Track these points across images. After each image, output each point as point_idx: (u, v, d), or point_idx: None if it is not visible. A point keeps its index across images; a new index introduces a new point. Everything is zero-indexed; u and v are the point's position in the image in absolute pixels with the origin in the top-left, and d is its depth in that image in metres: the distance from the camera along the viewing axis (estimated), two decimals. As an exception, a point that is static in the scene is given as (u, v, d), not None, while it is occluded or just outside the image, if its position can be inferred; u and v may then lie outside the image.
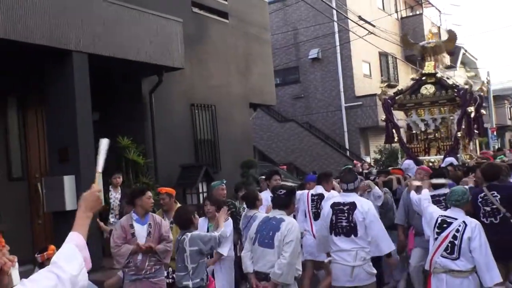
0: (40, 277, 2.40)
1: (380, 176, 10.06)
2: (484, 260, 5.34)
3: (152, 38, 10.40)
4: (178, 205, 7.44)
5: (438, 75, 12.37)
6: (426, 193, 6.77)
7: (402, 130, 12.94)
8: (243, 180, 12.69)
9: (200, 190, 11.63)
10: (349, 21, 21.38)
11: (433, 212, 5.97)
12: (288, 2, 24.59)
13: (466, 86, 11.85)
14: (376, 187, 8.44)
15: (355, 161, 18.83)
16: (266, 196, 8.32)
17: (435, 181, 7.23)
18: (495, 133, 40.71)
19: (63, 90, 8.96)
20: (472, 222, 5.50)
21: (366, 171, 13.71)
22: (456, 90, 11.87)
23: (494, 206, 6.44)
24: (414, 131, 12.73)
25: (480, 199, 6.56)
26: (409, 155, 12.25)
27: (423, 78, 12.46)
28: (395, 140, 12.67)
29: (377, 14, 26.50)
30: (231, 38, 14.29)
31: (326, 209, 6.38)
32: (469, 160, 11.81)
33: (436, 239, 5.62)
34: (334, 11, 21.78)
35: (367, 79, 25.35)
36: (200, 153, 12.98)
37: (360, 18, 19.07)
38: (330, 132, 25.24)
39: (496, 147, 38.60)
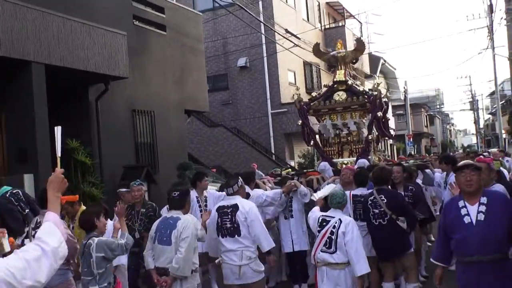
0: (28, 248, 2.79)
1: (299, 177, 10.21)
2: (355, 252, 5.89)
3: (100, 50, 11.40)
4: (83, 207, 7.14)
5: (349, 82, 12.76)
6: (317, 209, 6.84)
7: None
8: (180, 181, 13.76)
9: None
10: (275, 33, 22.73)
11: (316, 213, 6.47)
12: (219, 13, 25.65)
13: (375, 93, 12.25)
14: (302, 185, 8.67)
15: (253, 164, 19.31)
16: (192, 196, 8.86)
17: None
18: (411, 139, 43.12)
19: (23, 96, 9.86)
20: (347, 219, 6.11)
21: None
22: (366, 96, 12.32)
23: (382, 209, 6.97)
24: (327, 135, 13.18)
25: (370, 202, 7.15)
26: (324, 157, 12.68)
27: (335, 85, 12.81)
28: (311, 144, 13.09)
29: (301, 25, 28.08)
30: (168, 49, 15.34)
31: (212, 212, 6.79)
32: (378, 162, 12.29)
33: (317, 236, 6.18)
34: (262, 24, 22.99)
35: (292, 87, 26.51)
36: (141, 155, 13.96)
37: (287, 31, 20.47)
38: (257, 137, 26.29)
39: (413, 152, 41.14)
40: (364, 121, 12.75)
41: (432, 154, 29.92)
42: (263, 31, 23.89)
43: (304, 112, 12.85)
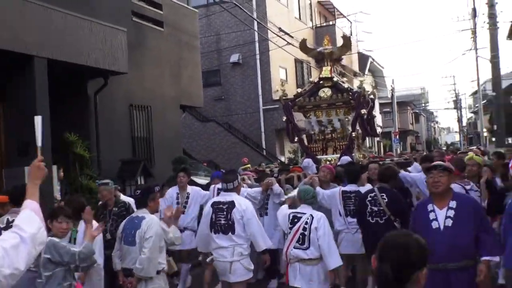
0: (6, 236, 2.83)
1: (282, 173, 10.26)
2: (327, 247, 5.92)
3: (101, 46, 11.59)
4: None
5: (335, 79, 12.67)
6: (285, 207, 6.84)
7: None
8: (174, 175, 13.98)
9: (139, 183, 12.86)
10: (268, 30, 22.99)
11: (285, 211, 6.46)
12: (212, 9, 25.84)
13: (360, 90, 12.25)
14: (277, 184, 8.54)
15: (243, 159, 19.34)
16: (172, 193, 9.08)
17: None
18: (397, 136, 43.55)
19: (25, 90, 10.04)
20: (318, 215, 6.11)
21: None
22: (350, 94, 12.28)
23: (381, 208, 6.77)
24: (311, 132, 13.13)
25: (370, 198, 6.95)
26: (308, 154, 12.52)
27: (321, 82, 12.74)
28: (295, 140, 12.93)
29: (294, 23, 28.37)
30: (165, 45, 15.53)
31: (207, 208, 6.69)
32: (362, 159, 12.26)
33: (289, 233, 6.13)
34: (255, 21, 23.23)
35: (284, 84, 26.92)
36: (137, 149, 14.19)
37: (280, 29, 20.72)
38: (248, 132, 26.63)
39: (399, 149, 41.57)
40: (348, 118, 12.69)
41: (414, 152, 30.30)
42: (256, 29, 24.10)
43: (289, 108, 12.76)
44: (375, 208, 6.86)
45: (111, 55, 11.89)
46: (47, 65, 10.29)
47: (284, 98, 12.83)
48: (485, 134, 40.56)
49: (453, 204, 4.71)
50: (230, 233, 6.32)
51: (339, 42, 27.88)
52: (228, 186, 6.59)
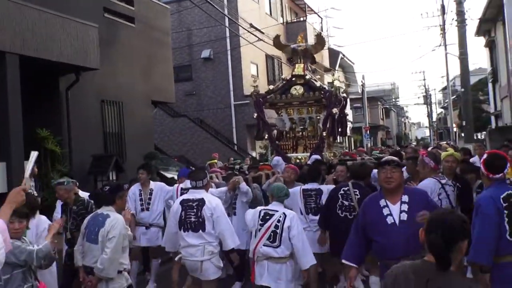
0: None
1: (250, 171, 10.19)
2: (301, 246, 5.85)
3: (72, 42, 11.66)
4: None
5: (307, 77, 12.48)
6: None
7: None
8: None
9: (111, 178, 12.98)
10: (239, 26, 23.14)
11: (257, 208, 6.36)
12: (184, 5, 25.87)
13: (332, 89, 12.10)
14: (244, 182, 8.35)
15: (214, 154, 19.28)
16: (134, 189, 8.88)
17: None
18: (368, 132, 44.14)
19: (-3, 86, 10.11)
20: (291, 213, 6.03)
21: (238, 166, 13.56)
22: (322, 92, 12.10)
23: (352, 203, 6.78)
24: (281, 129, 12.99)
25: (342, 192, 6.98)
26: (278, 152, 12.39)
27: (293, 79, 12.57)
28: (265, 137, 12.82)
29: (264, 19, 28.55)
30: (137, 41, 15.60)
31: (175, 205, 6.52)
32: (332, 158, 12.18)
33: (259, 230, 6.00)
34: (226, 17, 23.35)
35: (254, 79, 27.04)
36: (109, 144, 14.26)
37: (251, 25, 20.90)
38: (220, 128, 26.74)
39: (369, 145, 42.12)
40: (320, 116, 12.58)
41: (386, 147, 30.76)
42: (227, 25, 24.23)
43: (260, 105, 12.59)
44: (346, 203, 6.90)
45: (82, 51, 11.96)
46: (19, 61, 10.34)
47: (255, 94, 12.69)
48: (455, 129, 41.30)
49: (405, 198, 4.67)
50: (200, 231, 6.21)
51: (310, 38, 28.29)
52: (198, 183, 6.48)
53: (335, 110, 12.06)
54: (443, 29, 31.85)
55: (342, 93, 13.25)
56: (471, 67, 28.84)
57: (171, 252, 7.95)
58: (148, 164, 12.93)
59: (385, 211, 4.66)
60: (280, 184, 6.69)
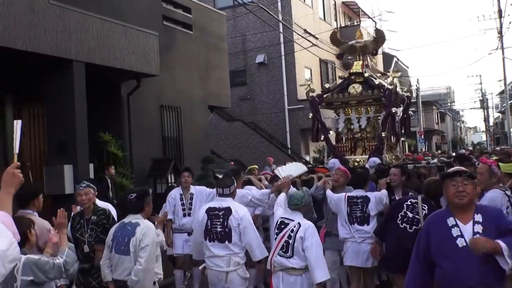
0: None
1: (303, 174, 9.39)
2: (315, 258, 5.41)
3: (134, 49, 12.15)
4: None
5: (366, 74, 11.72)
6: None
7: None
8: (203, 173, 14.46)
9: (169, 181, 13.41)
10: (293, 32, 23.36)
11: (277, 215, 6.03)
12: (238, 11, 26.24)
13: (391, 87, 11.22)
14: (291, 186, 7.36)
15: (268, 158, 19.13)
16: (175, 194, 8.54)
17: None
18: (422, 136, 43.58)
19: (64, 92, 10.64)
20: (306, 224, 5.60)
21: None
22: (382, 90, 11.27)
23: (417, 216, 6.21)
24: (336, 130, 12.06)
25: (408, 203, 6.40)
26: (335, 154, 11.63)
27: (352, 77, 11.83)
28: (321, 139, 11.93)
29: (318, 24, 28.69)
30: (194, 47, 16.06)
31: (201, 214, 6.21)
32: (394, 161, 11.41)
33: (275, 239, 5.73)
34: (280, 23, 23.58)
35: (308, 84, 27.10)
36: (167, 148, 14.73)
37: (305, 31, 21.08)
38: (274, 132, 26.89)
39: (424, 149, 41.59)
40: (380, 117, 11.60)
41: (440, 152, 30.32)
42: (281, 30, 24.48)
43: (316, 105, 11.70)
44: (410, 215, 6.31)
45: (143, 58, 12.43)
46: (85, 69, 10.86)
47: (311, 93, 11.76)
48: (513, 134, 40.48)
49: (478, 217, 3.92)
50: (226, 242, 5.92)
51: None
52: (225, 191, 6.17)
53: (394, 110, 11.22)
54: (500, 32, 31.37)
55: (406, 92, 12.44)
56: (530, 70, 28.29)
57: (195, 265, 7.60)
58: (205, 167, 13.35)
59: (455, 232, 3.92)
60: (296, 192, 6.14)
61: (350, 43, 12.64)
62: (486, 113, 70.45)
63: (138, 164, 13.26)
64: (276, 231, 5.74)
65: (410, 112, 12.46)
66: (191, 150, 15.37)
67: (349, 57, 13.09)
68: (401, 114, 11.94)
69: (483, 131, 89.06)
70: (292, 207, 5.80)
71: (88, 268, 5.89)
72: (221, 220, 5.96)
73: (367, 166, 9.88)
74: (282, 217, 5.83)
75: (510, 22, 24.31)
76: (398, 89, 11.67)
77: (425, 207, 6.20)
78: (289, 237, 5.54)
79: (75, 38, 10.58)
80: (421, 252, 4.08)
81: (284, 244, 5.56)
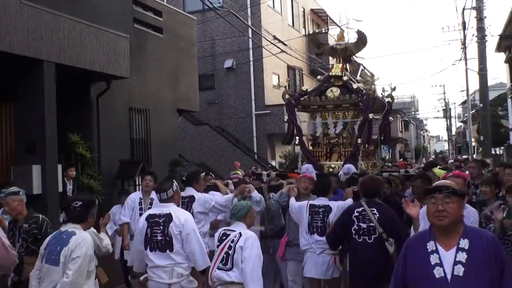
0: None
1: (273, 179, 9.57)
2: (250, 271, 5.09)
3: (105, 51, 12.16)
4: None
5: (345, 78, 11.32)
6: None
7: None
8: (170, 175, 14.47)
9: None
10: (262, 37, 23.53)
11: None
12: (208, 15, 26.31)
13: (370, 92, 10.82)
14: (256, 191, 7.48)
15: (235, 162, 19.32)
16: (135, 197, 8.31)
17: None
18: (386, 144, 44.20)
19: (34, 92, 10.59)
20: (248, 233, 5.29)
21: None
22: (360, 95, 10.89)
23: (372, 224, 5.89)
24: (312, 134, 11.86)
25: (357, 214, 6.01)
26: (309, 159, 11.38)
27: (331, 80, 11.48)
28: (296, 142, 11.62)
29: (287, 30, 28.98)
30: (164, 50, 16.11)
31: (141, 221, 5.78)
32: (371, 169, 11.12)
33: (216, 251, 5.38)
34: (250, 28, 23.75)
35: (276, 90, 27.22)
36: (135, 150, 14.75)
37: (275, 37, 21.29)
38: (240, 136, 27.01)
39: (388, 157, 42.20)
40: (357, 122, 11.17)
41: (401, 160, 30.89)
42: (250, 35, 24.65)
43: (292, 107, 11.49)
44: (364, 225, 5.95)
45: (114, 60, 12.45)
46: (55, 69, 10.85)
47: (288, 94, 11.52)
48: (474, 143, 41.34)
49: (464, 243, 3.31)
50: (168, 251, 5.48)
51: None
52: (162, 196, 5.72)
53: (371, 116, 10.84)
54: (464, 44, 32.08)
55: (387, 97, 11.87)
56: (491, 81, 29.17)
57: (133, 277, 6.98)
58: (173, 170, 13.38)
59: (433, 259, 3.32)
60: (241, 202, 5.82)
61: (331, 44, 12.64)
62: (448, 123, 71.91)
63: (106, 166, 13.27)
64: (217, 243, 5.39)
65: (390, 118, 12.17)
66: (159, 152, 15.41)
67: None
68: (381, 120, 11.69)
69: (445, 140, 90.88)
70: (234, 217, 5.51)
71: (17, 281, 5.57)
72: (161, 227, 5.53)
73: (341, 173, 9.67)
74: (224, 229, 5.57)
75: (473, 35, 24.88)
76: (378, 94, 11.58)
77: (373, 210, 5.96)
78: (229, 247, 5.22)
79: (46, 38, 10.55)
80: (398, 277, 3.52)
81: (224, 255, 5.24)
